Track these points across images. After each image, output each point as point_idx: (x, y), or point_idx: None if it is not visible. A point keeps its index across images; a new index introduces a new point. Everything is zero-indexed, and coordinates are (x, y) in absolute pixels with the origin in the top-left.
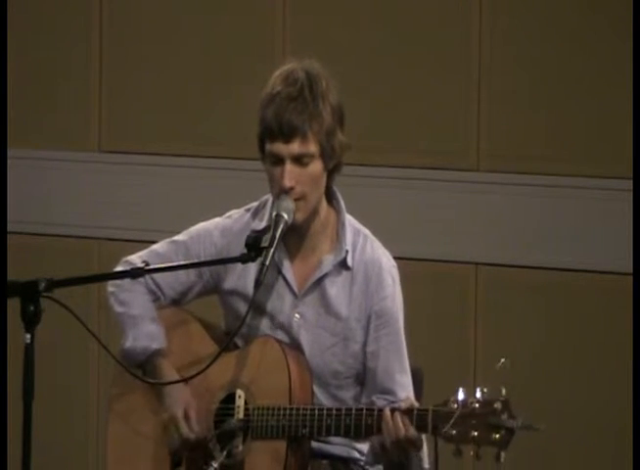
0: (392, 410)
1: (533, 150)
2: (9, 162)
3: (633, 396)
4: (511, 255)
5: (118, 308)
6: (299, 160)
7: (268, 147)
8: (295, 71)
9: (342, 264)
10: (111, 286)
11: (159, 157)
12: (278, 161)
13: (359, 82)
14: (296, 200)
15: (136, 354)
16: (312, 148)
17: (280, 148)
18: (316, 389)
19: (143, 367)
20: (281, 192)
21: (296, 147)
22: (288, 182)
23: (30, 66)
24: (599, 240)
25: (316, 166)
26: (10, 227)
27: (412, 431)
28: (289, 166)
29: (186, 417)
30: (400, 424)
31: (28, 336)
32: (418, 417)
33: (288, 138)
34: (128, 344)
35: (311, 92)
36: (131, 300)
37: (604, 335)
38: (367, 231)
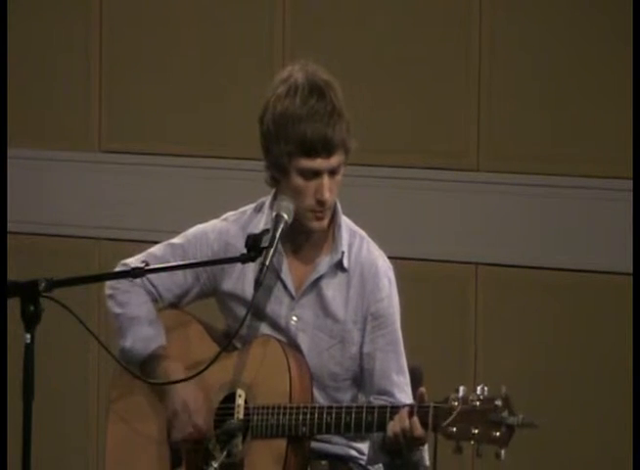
0: (396, 408)
1: (533, 150)
2: (9, 162)
3: (633, 395)
4: (511, 255)
5: (118, 310)
6: (335, 171)
7: (304, 163)
8: (314, 83)
9: (339, 266)
10: (108, 289)
11: (159, 157)
12: (312, 175)
13: (359, 82)
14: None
15: (137, 353)
16: (344, 157)
17: (321, 163)
18: (314, 391)
19: (144, 366)
20: (317, 205)
21: (335, 160)
22: (329, 195)
23: (30, 65)
24: (599, 240)
25: (341, 173)
26: (10, 227)
27: (421, 430)
28: (327, 180)
29: (187, 411)
30: (407, 422)
31: (28, 336)
32: (419, 414)
33: (329, 154)
34: (128, 343)
35: (337, 104)
36: (130, 300)
37: (604, 335)
38: (362, 232)
